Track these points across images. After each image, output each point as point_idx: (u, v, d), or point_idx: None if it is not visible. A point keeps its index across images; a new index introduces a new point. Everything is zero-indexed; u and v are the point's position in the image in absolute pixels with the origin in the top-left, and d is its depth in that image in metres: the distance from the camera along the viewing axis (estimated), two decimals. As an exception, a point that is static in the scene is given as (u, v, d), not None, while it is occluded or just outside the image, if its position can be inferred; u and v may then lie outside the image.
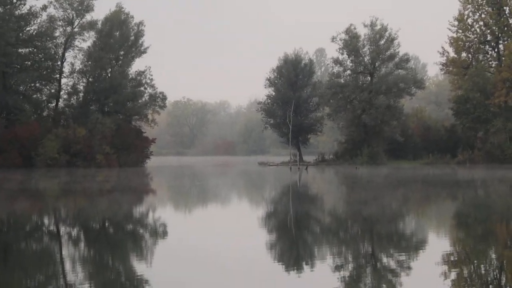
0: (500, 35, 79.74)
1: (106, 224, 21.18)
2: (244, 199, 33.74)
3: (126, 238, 18.10)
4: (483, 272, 12.83)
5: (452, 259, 14.12)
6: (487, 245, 16.16)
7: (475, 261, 13.96)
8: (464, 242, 17.09)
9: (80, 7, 77.78)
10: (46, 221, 22.45)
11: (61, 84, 78.71)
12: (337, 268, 13.08)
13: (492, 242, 16.74)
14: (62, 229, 19.83)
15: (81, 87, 80.00)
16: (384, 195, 33.12)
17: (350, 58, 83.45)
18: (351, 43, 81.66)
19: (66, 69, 78.90)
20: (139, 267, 13.18)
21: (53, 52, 76.51)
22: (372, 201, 29.10)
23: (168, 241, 17.44)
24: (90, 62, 78.45)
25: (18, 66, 72.79)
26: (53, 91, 78.48)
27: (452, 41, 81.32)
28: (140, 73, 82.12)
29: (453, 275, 12.24)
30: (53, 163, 66.86)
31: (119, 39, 79.72)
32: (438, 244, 16.40)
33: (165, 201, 31.52)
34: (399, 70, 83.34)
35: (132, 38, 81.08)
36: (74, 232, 19.06)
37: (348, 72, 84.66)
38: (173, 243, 17.11)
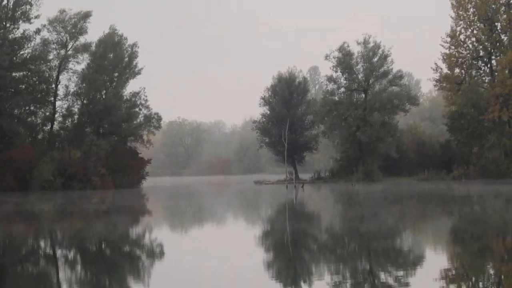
0: (492, 50, 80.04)
1: (102, 246, 21.10)
2: (240, 218, 33.68)
3: (122, 260, 18.04)
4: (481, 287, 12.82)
5: (449, 274, 14.11)
6: (484, 261, 16.15)
7: (473, 277, 13.95)
8: (462, 258, 17.09)
9: (73, 30, 77.90)
10: (42, 243, 22.37)
11: (56, 106, 78.56)
12: (335, 286, 13.06)
13: (489, 257, 16.73)
14: (59, 252, 19.75)
15: (76, 109, 79.77)
16: (381, 211, 33.10)
17: (344, 76, 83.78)
18: (344, 60, 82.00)
19: (61, 91, 78.79)
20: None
21: (47, 75, 76.36)
22: (369, 218, 29.09)
23: (164, 262, 17.39)
24: (84, 84, 78.35)
25: (12, 90, 72.63)
26: (47, 114, 78.27)
27: (445, 57, 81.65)
28: (135, 94, 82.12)
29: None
30: (48, 186, 66.59)
31: (113, 61, 79.74)
32: (435, 260, 16.39)
33: (161, 221, 31.43)
34: (393, 87, 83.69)
35: (126, 59, 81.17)
36: (71, 254, 19.00)
37: (342, 89, 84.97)
38: (169, 264, 17.07)
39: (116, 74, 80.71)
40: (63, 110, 79.27)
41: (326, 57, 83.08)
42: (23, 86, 74.42)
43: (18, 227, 27.91)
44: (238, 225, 28.97)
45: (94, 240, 22.60)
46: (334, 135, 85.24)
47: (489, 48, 79.87)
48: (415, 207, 36.36)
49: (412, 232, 23.96)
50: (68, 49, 78.38)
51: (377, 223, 26.49)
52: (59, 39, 77.81)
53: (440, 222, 27.14)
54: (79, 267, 16.61)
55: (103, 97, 79.25)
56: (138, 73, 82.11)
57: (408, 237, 22.48)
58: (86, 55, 79.19)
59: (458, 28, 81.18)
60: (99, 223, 29.69)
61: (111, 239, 22.86)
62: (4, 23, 72.16)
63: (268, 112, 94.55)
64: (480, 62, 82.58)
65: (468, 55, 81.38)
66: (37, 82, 75.36)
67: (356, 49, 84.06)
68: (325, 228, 26.25)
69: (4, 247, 21.08)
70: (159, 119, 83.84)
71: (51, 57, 77.02)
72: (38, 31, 74.73)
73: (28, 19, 72.65)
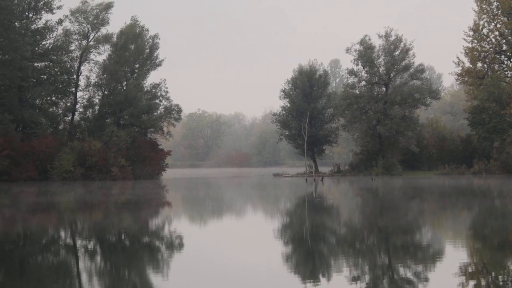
0: (515, 45, 79.40)
1: (123, 237, 21.20)
2: (260, 211, 33.69)
3: (142, 251, 18.10)
4: (500, 283, 12.73)
5: (469, 270, 14.05)
6: (505, 256, 16.04)
7: (493, 272, 13.87)
8: (482, 253, 16.99)
9: (95, 21, 78.36)
10: (63, 234, 22.52)
11: (77, 97, 79.17)
12: (354, 279, 13.05)
13: (509, 253, 16.62)
14: (79, 242, 19.88)
15: (97, 100, 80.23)
16: (401, 206, 32.99)
17: (365, 69, 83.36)
18: (365, 54, 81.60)
19: (82, 82, 79.47)
20: (156, 280, 13.20)
21: (68, 66, 76.95)
22: (389, 212, 29.00)
23: (184, 253, 17.45)
24: (105, 75, 78.72)
25: (34, 80, 73.29)
26: (68, 104, 78.85)
27: (467, 51, 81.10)
28: (155, 86, 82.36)
29: (470, 286, 12.17)
30: (68, 176, 67.14)
31: (134, 52, 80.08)
32: (455, 255, 16.31)
33: (180, 213, 31.52)
34: (414, 81, 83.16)
35: (147, 51, 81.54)
36: (91, 245, 19.11)
37: (363, 83, 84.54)
38: (189, 254, 17.13)
39: (137, 66, 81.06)
40: (84, 101, 79.84)
41: (347, 50, 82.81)
42: (45, 77, 75.03)
43: (39, 218, 28.11)
44: (257, 217, 28.98)
45: (114, 231, 22.71)
46: (354, 128, 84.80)
47: (512, 43, 79.20)
48: (434, 201, 36.15)
49: (431, 227, 23.84)
50: (89, 40, 78.90)
51: (397, 217, 26.40)
52: (81, 30, 78.39)
53: (460, 217, 26.99)
54: (99, 257, 16.70)
55: (124, 88, 79.61)
56: (159, 64, 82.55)
57: (426, 232, 22.36)
58: (107, 46, 79.71)
59: (481, 22, 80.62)
60: (119, 214, 29.82)
61: (131, 230, 22.96)
62: (26, 13, 72.79)
63: (288, 104, 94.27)
64: (502, 56, 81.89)
65: (491, 49, 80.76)
66: (58, 73, 75.84)
67: (377, 43, 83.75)
68: (343, 221, 26.19)
69: (25, 238, 21.25)
70: (179, 110, 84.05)
71: (72, 47, 77.67)
72: (60, 22, 75.35)
73: (50, 10, 73.24)
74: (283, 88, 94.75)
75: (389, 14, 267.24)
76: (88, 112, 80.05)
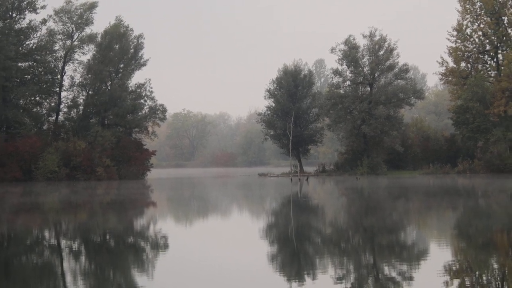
0: (499, 44, 79.78)
1: (107, 237, 21.15)
2: (245, 211, 33.71)
3: (126, 251, 18.08)
4: (485, 282, 12.82)
5: (453, 268, 14.14)
6: (489, 255, 16.15)
7: (477, 272, 13.96)
8: (466, 252, 17.10)
9: (79, 21, 78.04)
10: (47, 234, 22.44)
11: (61, 97, 78.85)
12: (339, 279, 13.09)
13: (494, 252, 16.73)
14: (63, 242, 19.83)
15: (81, 100, 79.90)
16: (386, 205, 33.12)
17: (350, 69, 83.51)
18: (350, 53, 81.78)
19: (66, 82, 79.11)
20: (140, 281, 13.19)
21: (52, 66, 76.62)
22: (373, 211, 29.12)
23: (169, 253, 17.43)
24: (90, 75, 78.43)
25: (18, 80, 72.86)
26: (53, 104, 78.49)
27: (451, 51, 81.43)
28: (140, 86, 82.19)
29: (455, 285, 12.25)
30: (53, 176, 66.89)
31: (119, 52, 79.87)
32: (439, 254, 16.40)
33: (166, 213, 31.49)
34: (399, 80, 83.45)
35: (132, 50, 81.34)
36: (75, 245, 19.06)
37: (348, 82, 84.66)
38: (174, 255, 17.11)
39: (121, 65, 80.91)
40: (68, 101, 79.54)
41: (332, 50, 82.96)
42: (29, 77, 74.68)
43: (23, 219, 28.00)
44: (242, 218, 29.01)
45: (99, 231, 22.65)
46: (339, 128, 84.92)
47: (496, 42, 79.60)
48: (419, 201, 36.33)
49: (415, 227, 23.96)
50: (74, 39, 78.58)
51: (381, 217, 26.51)
52: (65, 30, 78.06)
53: (445, 216, 27.14)
54: (83, 258, 16.65)
55: (109, 88, 79.42)
56: (144, 64, 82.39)
57: (411, 231, 22.48)
58: (91, 46, 79.36)
59: (465, 22, 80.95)
60: (104, 214, 29.75)
61: (116, 230, 22.92)
62: (10, 13, 72.36)
63: (273, 104, 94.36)
64: (486, 56, 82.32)
65: (474, 49, 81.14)
66: (42, 73, 75.52)
67: (362, 42, 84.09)
68: (328, 221, 26.27)
69: (9, 239, 21.14)
70: (164, 110, 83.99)
71: (57, 47, 77.30)
72: (44, 22, 74.97)
73: (34, 10, 72.84)
74: (268, 88, 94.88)
75: (374, 15, 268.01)
76: (72, 112, 79.71)
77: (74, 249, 18.21)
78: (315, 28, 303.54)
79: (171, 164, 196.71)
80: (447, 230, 22.17)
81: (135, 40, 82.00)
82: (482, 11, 79.39)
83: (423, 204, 34.03)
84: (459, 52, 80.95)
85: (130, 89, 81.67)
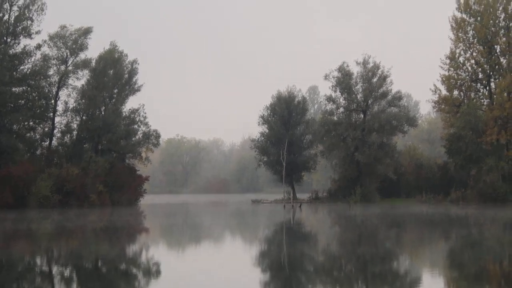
0: (491, 73, 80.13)
1: (99, 264, 21.04)
2: (238, 238, 33.61)
3: (118, 278, 17.99)
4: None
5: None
6: (482, 286, 16.12)
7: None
8: (458, 282, 17.06)
9: (74, 46, 78.13)
10: (39, 262, 22.32)
11: (55, 122, 78.43)
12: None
13: (486, 282, 16.71)
14: (55, 269, 19.72)
15: (75, 126, 79.55)
16: (378, 235, 33.08)
17: (343, 96, 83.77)
18: (343, 80, 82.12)
19: (60, 107, 78.75)
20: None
21: (47, 91, 76.36)
22: (366, 241, 29.07)
23: (161, 281, 17.35)
24: (83, 101, 78.37)
25: (12, 105, 72.57)
26: (46, 129, 78.15)
27: (444, 79, 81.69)
28: (134, 111, 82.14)
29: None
30: (45, 203, 66.32)
31: (113, 78, 79.94)
32: (432, 284, 16.37)
33: (158, 239, 31.38)
34: (392, 108, 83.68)
35: (126, 76, 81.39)
36: (67, 272, 18.96)
37: (341, 109, 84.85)
38: (166, 282, 17.03)
39: (115, 91, 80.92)
40: (62, 126, 79.07)
41: (326, 76, 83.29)
42: (23, 102, 74.27)
43: (15, 246, 27.86)
44: (235, 245, 28.91)
45: (91, 258, 22.54)
46: (332, 155, 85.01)
47: (488, 71, 79.94)
48: (411, 232, 36.29)
49: (407, 257, 23.93)
50: (68, 65, 78.53)
51: (374, 246, 26.47)
52: (60, 55, 78.02)
53: (437, 246, 27.11)
54: (75, 286, 16.55)
55: (102, 113, 79.33)
56: (138, 90, 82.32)
57: (404, 261, 22.45)
58: (86, 71, 79.23)
59: (458, 50, 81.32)
60: (97, 241, 29.62)
61: (108, 257, 22.81)
62: (5, 38, 72.27)
63: (267, 131, 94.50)
64: (479, 84, 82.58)
65: (467, 77, 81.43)
66: (36, 98, 75.23)
67: (355, 69, 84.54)
68: (321, 249, 26.21)
69: (1, 265, 21.01)
70: (157, 136, 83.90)
71: (51, 72, 77.01)
72: (38, 47, 74.77)
73: (29, 35, 72.75)
74: (262, 114, 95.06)
75: (368, 41, 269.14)
76: (66, 138, 79.40)
77: (65, 276, 18.11)
78: (310, 56, 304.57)
79: (164, 190, 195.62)
80: (439, 260, 22.13)
81: (129, 66, 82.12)
82: (475, 40, 79.83)
83: (415, 233, 33.99)
84: (452, 80, 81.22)
85: (124, 114, 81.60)
